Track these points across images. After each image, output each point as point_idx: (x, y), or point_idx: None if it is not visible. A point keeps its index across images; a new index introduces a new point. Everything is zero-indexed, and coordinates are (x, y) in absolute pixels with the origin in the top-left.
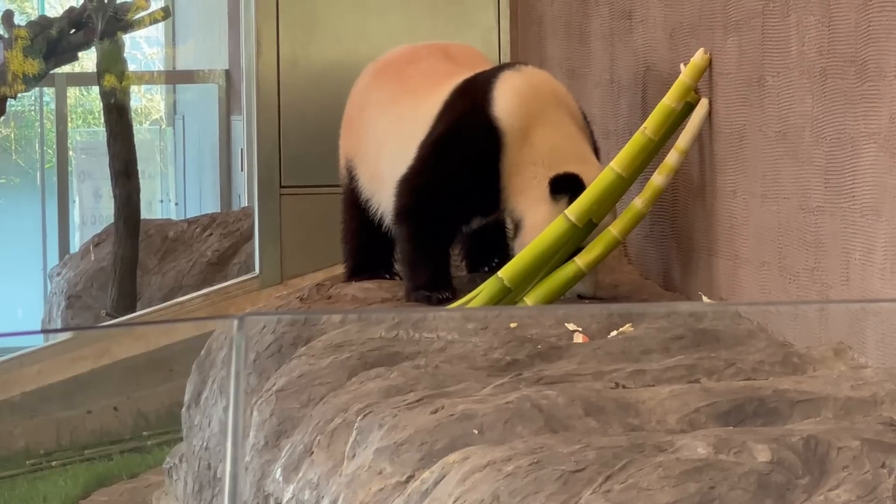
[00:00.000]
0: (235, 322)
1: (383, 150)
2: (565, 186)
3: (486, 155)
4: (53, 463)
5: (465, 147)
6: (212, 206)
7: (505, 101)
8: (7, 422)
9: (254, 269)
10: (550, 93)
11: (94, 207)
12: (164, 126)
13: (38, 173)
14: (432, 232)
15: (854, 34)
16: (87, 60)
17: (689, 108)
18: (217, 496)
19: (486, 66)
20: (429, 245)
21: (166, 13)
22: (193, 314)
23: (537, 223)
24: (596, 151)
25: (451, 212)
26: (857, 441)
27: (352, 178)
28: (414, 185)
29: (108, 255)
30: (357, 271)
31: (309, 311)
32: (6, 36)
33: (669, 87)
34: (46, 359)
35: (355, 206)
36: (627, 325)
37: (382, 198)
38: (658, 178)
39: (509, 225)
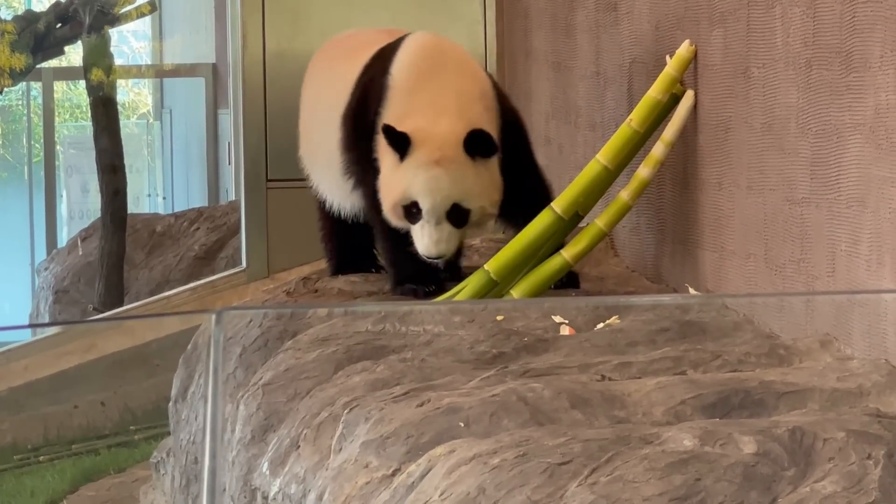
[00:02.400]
0: (213, 317)
1: (319, 144)
2: (391, 140)
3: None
4: (41, 458)
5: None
6: (199, 200)
7: (400, 61)
8: None
9: (241, 263)
10: (448, 57)
11: (81, 202)
12: (151, 120)
13: (26, 168)
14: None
15: (839, 25)
16: (74, 55)
17: (674, 99)
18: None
19: None
20: (405, 235)
21: (153, 7)
22: (180, 308)
23: (382, 178)
24: (509, 116)
25: None
26: (842, 432)
27: (309, 181)
28: (361, 180)
29: (95, 249)
30: (340, 271)
31: (285, 305)
32: None
33: (655, 79)
34: (33, 354)
35: (321, 208)
36: (614, 318)
37: (333, 194)
38: (644, 171)
39: None
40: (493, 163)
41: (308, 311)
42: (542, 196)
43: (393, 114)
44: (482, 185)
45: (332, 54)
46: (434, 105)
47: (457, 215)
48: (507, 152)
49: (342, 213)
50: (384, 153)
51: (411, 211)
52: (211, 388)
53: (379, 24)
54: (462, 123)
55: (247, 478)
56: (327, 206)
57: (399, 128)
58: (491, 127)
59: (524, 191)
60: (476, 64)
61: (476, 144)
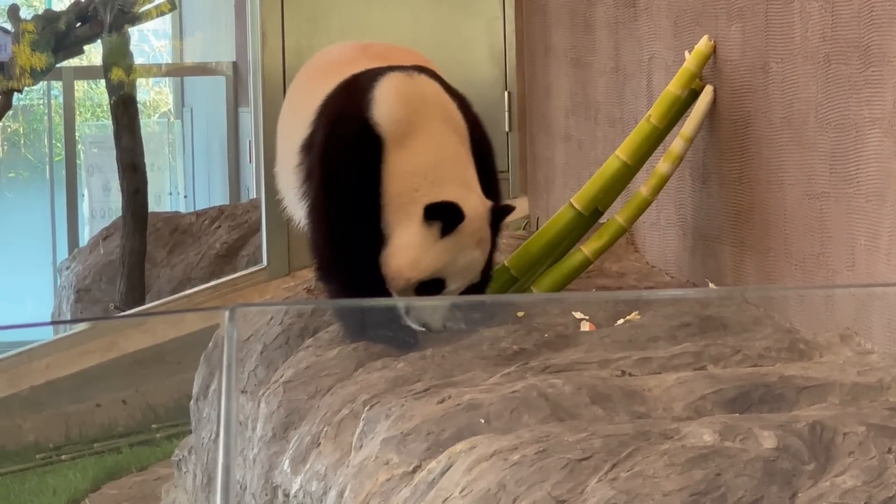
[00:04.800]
0: (227, 313)
1: (284, 167)
2: (441, 214)
3: (368, 162)
4: (63, 456)
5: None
6: (220, 198)
7: (383, 102)
8: (16, 416)
9: (262, 261)
10: (437, 102)
11: (103, 201)
12: (172, 119)
13: (47, 167)
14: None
15: (857, 19)
16: (95, 54)
17: (693, 95)
18: None
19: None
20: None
21: (172, 5)
22: (201, 306)
23: (403, 242)
24: (486, 161)
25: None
26: (863, 427)
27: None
28: (313, 219)
29: (116, 248)
30: None
31: (300, 301)
32: (13, 30)
33: (674, 75)
34: (55, 353)
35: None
36: (634, 313)
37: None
38: (663, 166)
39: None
40: None
41: (328, 309)
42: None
43: (408, 178)
44: None
45: (306, 74)
46: (452, 173)
47: (465, 291)
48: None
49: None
50: (406, 220)
51: (428, 286)
52: (224, 383)
53: (397, 22)
54: (479, 196)
55: (268, 475)
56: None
57: (433, 199)
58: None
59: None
60: (453, 105)
61: (497, 221)
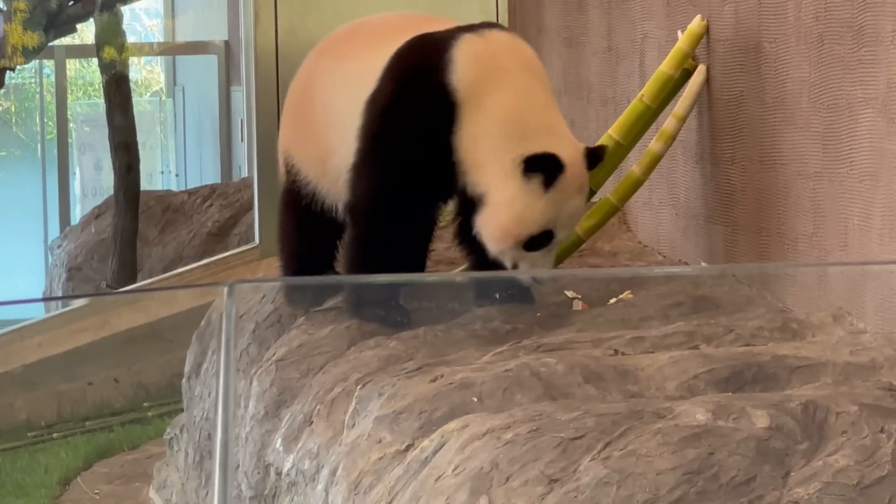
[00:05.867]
0: (225, 289)
1: (329, 126)
2: (541, 166)
3: (439, 125)
4: (54, 435)
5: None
6: (212, 177)
7: (462, 64)
8: (8, 394)
9: (254, 240)
10: (515, 56)
11: (94, 179)
12: (164, 97)
13: (39, 146)
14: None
15: (850, 0)
16: (87, 32)
17: (686, 75)
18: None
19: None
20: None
21: None
22: (198, 283)
23: (504, 200)
24: None
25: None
26: (855, 406)
27: (291, 174)
28: (365, 173)
29: (108, 226)
30: (302, 270)
31: (301, 278)
32: (5, 9)
33: (667, 55)
34: (47, 331)
35: (293, 206)
36: (627, 293)
37: (329, 184)
38: (656, 145)
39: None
40: None
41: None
42: None
43: (495, 137)
44: None
45: (346, 41)
46: (541, 123)
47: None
48: None
49: (326, 210)
50: (501, 178)
51: (538, 240)
52: (223, 360)
53: (391, 3)
54: (571, 141)
55: (260, 454)
56: (309, 197)
57: (525, 152)
58: None
59: None
60: (531, 51)
61: (592, 164)
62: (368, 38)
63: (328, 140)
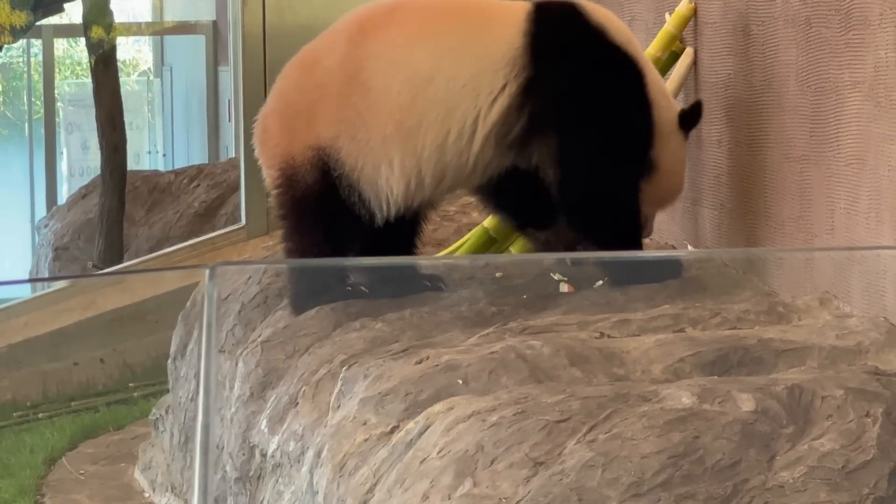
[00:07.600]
0: (207, 272)
1: (416, 110)
2: (694, 117)
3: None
4: (40, 415)
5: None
6: (199, 157)
7: (613, 28)
8: None
9: (240, 220)
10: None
11: (81, 159)
12: (151, 77)
13: (26, 125)
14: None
15: None
16: (74, 12)
17: (674, 57)
18: None
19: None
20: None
21: None
22: (181, 265)
23: (677, 161)
24: None
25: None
26: (841, 390)
27: (330, 173)
28: (587, 163)
29: (94, 206)
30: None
31: (281, 260)
32: None
33: (654, 37)
34: (33, 311)
35: (324, 213)
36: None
37: (395, 178)
38: None
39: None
40: None
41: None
42: None
43: (659, 91)
44: None
45: (400, 22)
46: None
47: None
48: None
49: (369, 206)
50: (664, 138)
51: None
52: (205, 342)
53: None
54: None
55: (245, 435)
56: (355, 199)
57: (676, 108)
58: None
59: None
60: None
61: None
62: (434, 18)
63: (407, 122)
